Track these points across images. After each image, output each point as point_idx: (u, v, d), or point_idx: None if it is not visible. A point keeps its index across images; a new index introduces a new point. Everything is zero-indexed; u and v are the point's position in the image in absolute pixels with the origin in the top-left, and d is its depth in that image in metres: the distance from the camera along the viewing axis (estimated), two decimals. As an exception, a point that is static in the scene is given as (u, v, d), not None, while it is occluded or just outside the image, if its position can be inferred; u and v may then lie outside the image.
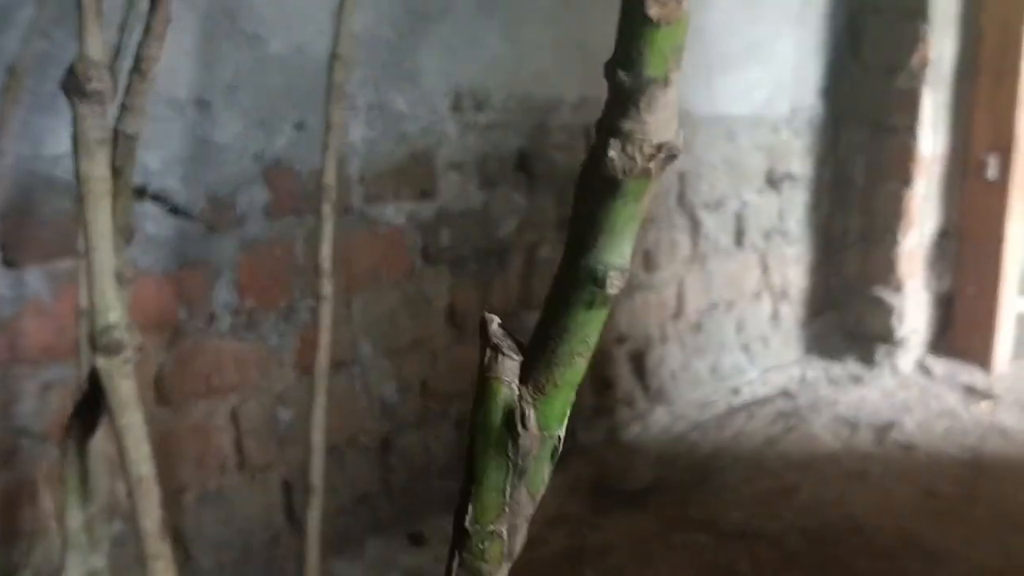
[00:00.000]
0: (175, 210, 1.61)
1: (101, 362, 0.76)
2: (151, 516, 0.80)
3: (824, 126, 2.97)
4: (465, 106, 2.02)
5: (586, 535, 2.05)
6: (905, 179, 2.89)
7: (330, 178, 1.29)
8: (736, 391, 2.78)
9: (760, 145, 2.79)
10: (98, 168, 0.75)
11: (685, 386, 2.69)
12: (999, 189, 2.93)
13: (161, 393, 1.63)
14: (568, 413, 0.19)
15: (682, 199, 2.57)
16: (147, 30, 0.81)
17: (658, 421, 2.56)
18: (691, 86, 2.53)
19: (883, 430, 2.61)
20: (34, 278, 1.42)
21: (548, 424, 0.17)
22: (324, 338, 1.30)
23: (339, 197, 1.83)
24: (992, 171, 2.93)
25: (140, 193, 1.56)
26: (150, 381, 1.61)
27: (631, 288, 2.48)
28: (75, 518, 0.84)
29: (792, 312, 3.04)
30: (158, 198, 1.58)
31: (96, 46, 0.74)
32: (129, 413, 0.77)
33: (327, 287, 1.30)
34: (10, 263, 1.41)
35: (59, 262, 1.43)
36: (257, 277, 1.73)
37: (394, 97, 1.88)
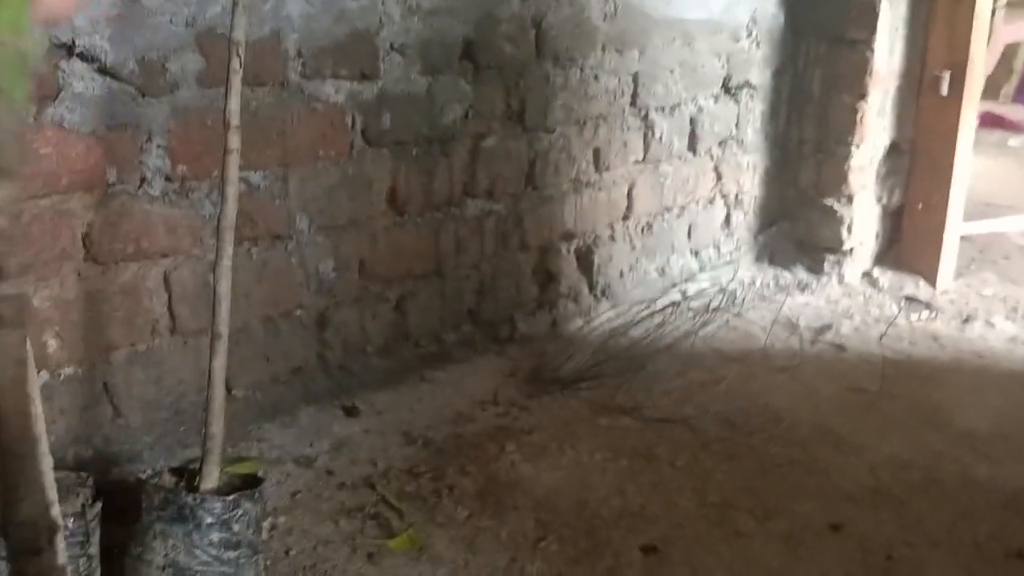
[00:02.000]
0: (105, 71, 1.58)
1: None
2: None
3: (783, 36, 2.92)
4: (409, -11, 1.97)
5: (516, 416, 2.07)
6: (860, 92, 2.85)
7: (238, 35, 1.27)
8: (684, 293, 2.78)
9: (718, 52, 2.74)
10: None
11: (632, 285, 2.68)
12: (952, 106, 2.90)
13: (89, 252, 1.62)
14: (24, 22, 0.16)
15: (635, 100, 2.54)
16: None
17: (601, 316, 2.57)
18: (647, -13, 2.47)
19: (819, 332, 2.63)
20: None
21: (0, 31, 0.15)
22: (231, 191, 1.29)
23: (273, 69, 1.81)
24: (945, 88, 2.89)
25: (68, 50, 1.54)
26: (79, 238, 1.60)
27: (579, 185, 2.46)
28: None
29: (744, 220, 3.02)
30: (87, 56, 1.55)
31: None
32: None
33: (234, 140, 1.29)
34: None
35: None
36: (190, 144, 1.71)
37: (335, -27, 1.84)
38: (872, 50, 2.82)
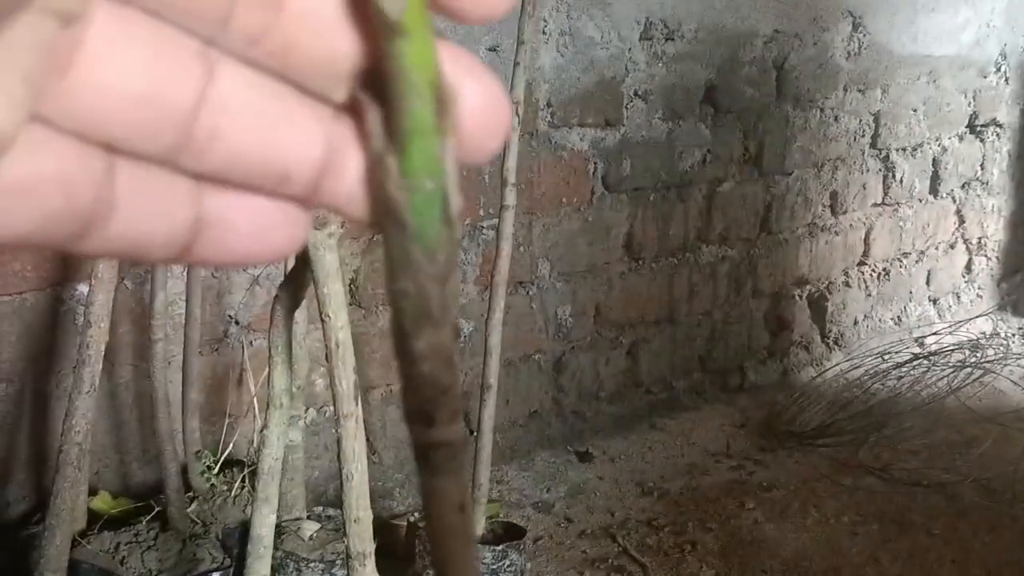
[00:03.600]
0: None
1: (312, 234, 0.81)
2: (346, 379, 0.86)
3: (1038, 70, 2.74)
4: (655, 35, 1.99)
5: (751, 471, 2.03)
6: None
7: (518, 94, 1.31)
8: (921, 343, 2.65)
9: (964, 88, 2.61)
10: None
11: (866, 333, 2.58)
12: None
13: (354, 297, 1.72)
14: (441, 165, 0.16)
15: (875, 141, 2.45)
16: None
17: (834, 366, 2.48)
18: (892, 24, 2.39)
19: (1080, 394, 2.42)
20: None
21: (413, 173, 0.16)
22: (505, 247, 1.34)
23: (526, 121, 1.86)
24: None
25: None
26: (346, 285, 1.70)
27: (815, 229, 2.39)
28: (280, 380, 0.91)
29: (988, 266, 2.85)
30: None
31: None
32: (331, 283, 0.82)
33: (511, 197, 1.33)
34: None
35: None
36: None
37: (585, 24, 1.88)
38: None
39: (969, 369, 2.48)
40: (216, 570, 1.22)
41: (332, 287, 0.83)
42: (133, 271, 1.35)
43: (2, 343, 1.29)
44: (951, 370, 2.45)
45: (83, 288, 1.27)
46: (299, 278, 0.87)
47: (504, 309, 1.94)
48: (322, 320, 0.83)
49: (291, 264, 0.94)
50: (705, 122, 2.13)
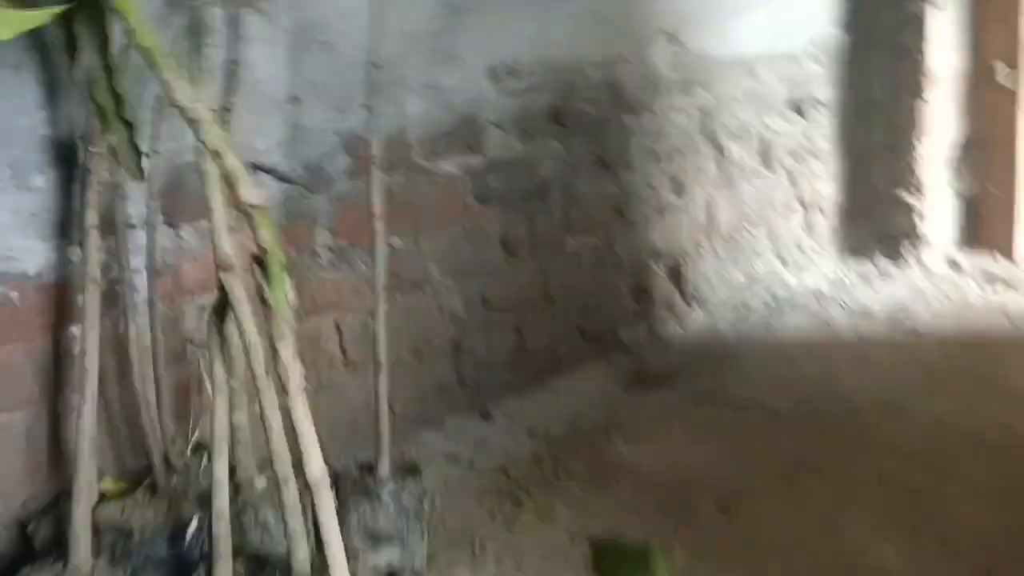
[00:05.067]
0: (282, 178, 2.18)
1: (223, 276, 1.31)
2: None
3: (845, 53, 3.30)
4: (501, 75, 2.51)
5: (620, 412, 2.55)
6: (918, 93, 3.20)
7: (376, 148, 1.84)
8: (771, 293, 3.19)
9: (782, 77, 3.16)
10: (209, 164, 1.30)
11: (721, 290, 3.12)
12: (1011, 96, 3.20)
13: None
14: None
15: (704, 129, 2.98)
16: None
17: (695, 320, 3.02)
18: (707, 31, 2.92)
19: (898, 319, 2.99)
20: (187, 234, 2.01)
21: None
22: (380, 257, 1.86)
23: (402, 157, 2.38)
24: (1003, 79, 3.20)
25: (255, 168, 2.14)
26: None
27: (662, 210, 2.93)
28: (219, 372, 1.41)
29: (825, 222, 3.40)
30: (269, 170, 2.15)
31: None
32: (241, 306, 1.33)
33: (379, 226, 1.85)
34: (170, 224, 2.00)
35: (203, 222, 2.01)
36: (345, 223, 2.29)
37: (441, 76, 2.39)
38: (924, 54, 3.16)
39: (809, 312, 3.04)
40: (195, 521, 1.72)
41: (242, 308, 1.34)
42: (112, 311, 1.84)
43: (22, 376, 1.78)
44: (793, 315, 3.01)
45: (75, 329, 1.76)
46: (223, 308, 1.38)
47: (407, 307, 2.46)
48: (239, 331, 1.34)
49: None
50: (555, 137, 2.65)
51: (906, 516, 1.98)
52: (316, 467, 1.32)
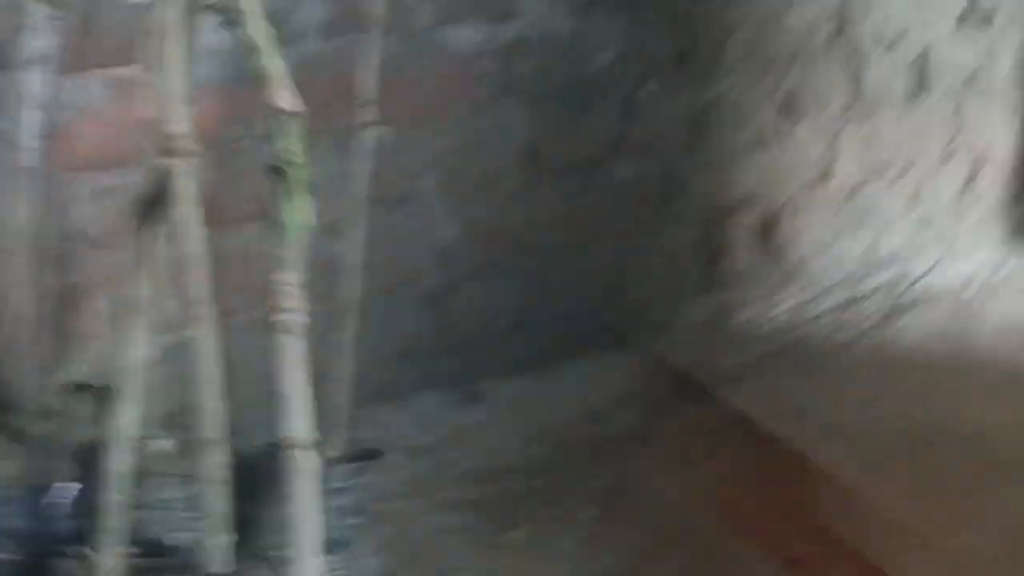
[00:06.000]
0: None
1: (168, 163, 1.52)
2: (200, 288, 1.58)
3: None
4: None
5: (656, 418, 2.75)
6: None
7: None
8: (898, 280, 3.37)
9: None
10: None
11: (830, 266, 3.29)
12: None
13: (211, 213, 2.41)
14: None
15: (840, 32, 3.14)
16: None
17: (783, 305, 3.22)
18: None
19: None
20: (96, 85, 2.20)
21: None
22: (362, 162, 2.06)
23: (403, 18, 2.56)
24: None
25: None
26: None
27: (762, 141, 3.10)
28: (139, 287, 1.63)
29: (994, 187, 3.56)
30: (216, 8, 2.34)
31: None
32: (187, 206, 1.54)
33: (366, 112, 2.05)
34: (72, 68, 2.18)
35: (120, 70, 2.18)
36: (311, 99, 2.48)
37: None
38: None
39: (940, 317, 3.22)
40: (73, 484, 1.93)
41: (187, 210, 1.55)
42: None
43: None
44: (917, 319, 3.20)
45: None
46: (154, 207, 1.59)
47: (375, 228, 2.67)
48: (176, 239, 1.56)
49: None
50: (623, 15, 2.80)
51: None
52: (302, 433, 1.48)
